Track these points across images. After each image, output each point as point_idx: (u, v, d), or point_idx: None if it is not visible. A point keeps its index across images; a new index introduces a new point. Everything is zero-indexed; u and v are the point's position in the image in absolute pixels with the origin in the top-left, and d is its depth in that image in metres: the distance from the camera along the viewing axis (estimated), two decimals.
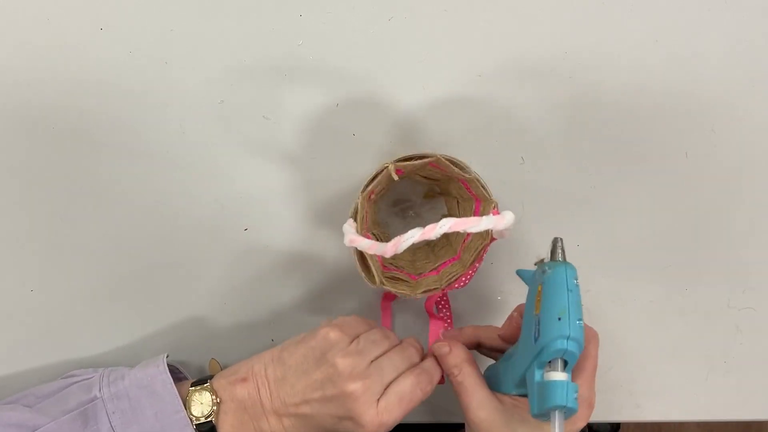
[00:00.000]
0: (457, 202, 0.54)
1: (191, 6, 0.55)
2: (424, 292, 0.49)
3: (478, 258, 0.49)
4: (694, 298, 0.58)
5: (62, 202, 0.56)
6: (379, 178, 0.47)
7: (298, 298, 0.57)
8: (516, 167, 0.57)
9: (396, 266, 0.53)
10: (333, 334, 0.46)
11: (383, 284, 0.47)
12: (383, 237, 0.55)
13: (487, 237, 0.47)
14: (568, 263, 0.44)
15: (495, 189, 0.49)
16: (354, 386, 0.43)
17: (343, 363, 0.44)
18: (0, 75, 0.55)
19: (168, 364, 0.48)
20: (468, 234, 0.50)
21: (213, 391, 0.46)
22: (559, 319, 0.40)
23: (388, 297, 0.56)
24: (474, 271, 0.50)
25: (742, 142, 0.57)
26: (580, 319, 0.41)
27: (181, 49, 0.55)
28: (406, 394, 0.45)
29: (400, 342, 0.49)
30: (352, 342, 0.46)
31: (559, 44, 0.56)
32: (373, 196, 0.50)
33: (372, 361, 0.45)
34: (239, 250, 0.56)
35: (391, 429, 0.45)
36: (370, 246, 0.42)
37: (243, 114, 0.56)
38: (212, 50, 0.55)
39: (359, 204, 0.47)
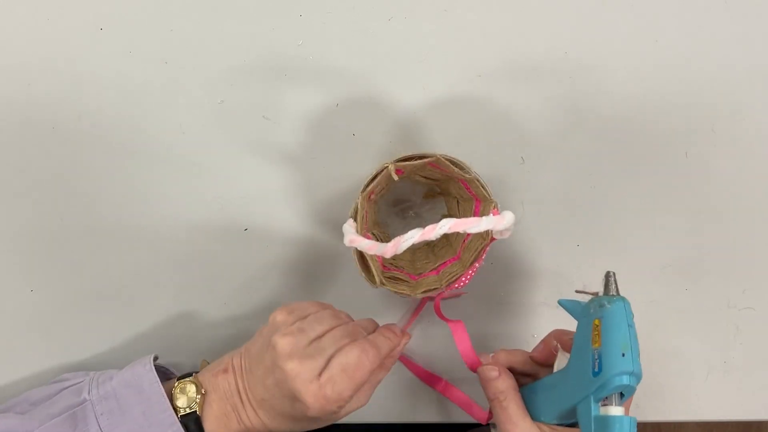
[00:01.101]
0: (457, 202, 0.54)
1: (191, 6, 0.55)
2: (424, 292, 0.49)
3: (478, 258, 0.49)
4: (694, 298, 0.58)
5: (62, 202, 0.56)
6: (379, 178, 0.47)
7: (298, 298, 0.57)
8: (516, 167, 0.57)
9: (396, 266, 0.53)
10: (279, 317, 0.46)
11: (383, 284, 0.47)
12: (383, 237, 0.55)
13: (487, 237, 0.47)
14: (625, 298, 0.44)
15: (495, 189, 0.49)
16: (291, 365, 0.43)
17: (281, 342, 0.43)
18: (0, 75, 0.55)
19: (158, 366, 0.48)
20: (468, 234, 0.50)
21: (198, 383, 0.46)
22: (623, 354, 0.40)
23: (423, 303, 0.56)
24: (474, 271, 0.50)
25: (742, 142, 0.57)
26: (639, 353, 0.41)
27: (181, 49, 0.55)
28: (350, 365, 0.43)
29: (351, 321, 0.48)
30: (297, 323, 0.45)
31: (559, 44, 0.56)
32: (373, 196, 0.50)
33: (316, 339, 0.45)
34: (239, 250, 0.56)
35: (344, 405, 0.44)
36: (369, 246, 0.42)
37: (243, 114, 0.56)
38: (212, 50, 0.55)
39: (359, 204, 0.47)
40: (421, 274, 0.52)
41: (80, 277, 0.56)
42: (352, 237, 0.44)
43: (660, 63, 0.56)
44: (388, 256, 0.41)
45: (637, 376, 0.40)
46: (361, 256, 0.47)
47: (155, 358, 0.48)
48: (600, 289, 0.45)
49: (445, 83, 0.56)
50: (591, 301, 0.45)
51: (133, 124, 0.56)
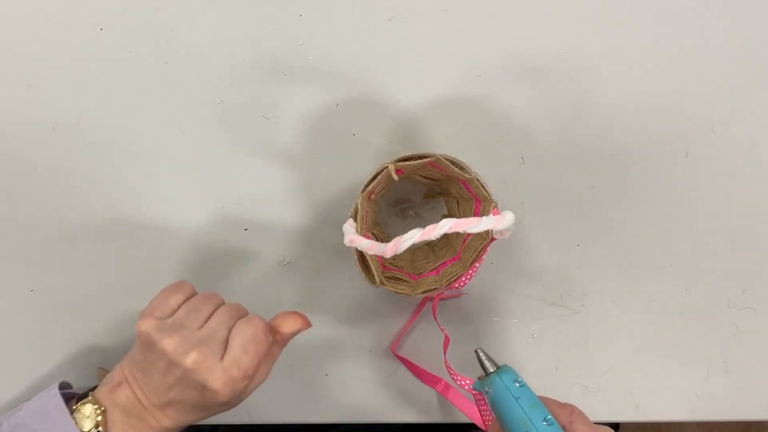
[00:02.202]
0: (457, 202, 0.54)
1: (191, 6, 0.55)
2: (424, 292, 0.49)
3: (478, 258, 0.49)
4: (694, 298, 0.58)
5: (62, 202, 0.56)
6: (379, 178, 0.47)
7: (298, 298, 0.57)
8: (516, 167, 0.57)
9: (396, 266, 0.53)
10: (145, 325, 0.44)
11: (383, 284, 0.47)
12: (383, 237, 0.55)
13: (487, 237, 0.47)
14: (501, 369, 0.42)
15: (495, 189, 0.49)
16: (190, 358, 0.43)
17: (169, 344, 0.43)
18: (0, 75, 0.55)
19: (71, 392, 0.48)
20: (468, 234, 0.50)
21: (96, 401, 0.46)
22: None
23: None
24: (474, 271, 0.50)
25: (742, 142, 0.57)
26: (546, 417, 0.39)
27: (181, 49, 0.55)
28: (248, 341, 0.44)
29: (223, 300, 0.48)
30: (169, 320, 0.45)
31: (559, 44, 0.56)
32: (373, 196, 0.50)
33: (200, 328, 0.45)
34: (239, 250, 0.56)
35: (249, 382, 0.45)
36: (370, 246, 0.42)
37: (243, 114, 0.56)
38: (212, 50, 0.55)
39: (359, 204, 0.47)
40: (421, 274, 0.52)
41: (80, 278, 0.56)
42: (352, 237, 0.44)
43: (660, 63, 0.56)
44: (388, 256, 0.41)
45: None
46: (362, 255, 0.47)
47: (63, 387, 0.48)
48: (481, 372, 0.44)
49: (445, 83, 0.56)
50: (481, 387, 0.44)
51: (133, 124, 0.56)
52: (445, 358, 0.55)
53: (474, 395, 0.53)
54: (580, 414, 0.43)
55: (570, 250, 0.57)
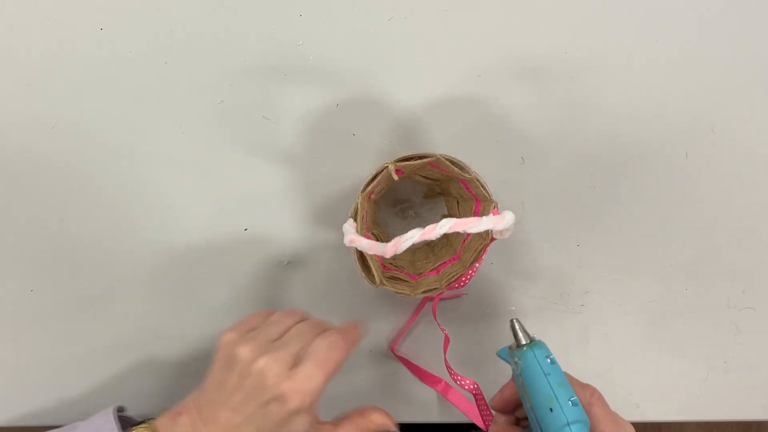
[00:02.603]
0: (457, 202, 0.54)
1: (191, 6, 0.55)
2: (424, 292, 0.49)
3: (478, 258, 0.49)
4: (694, 298, 0.58)
5: (62, 202, 0.56)
6: (379, 178, 0.47)
7: (298, 298, 0.57)
8: (516, 167, 0.57)
9: (396, 266, 0.53)
10: (227, 337, 0.45)
11: (383, 284, 0.47)
12: (383, 237, 0.55)
13: (487, 237, 0.47)
14: (534, 342, 0.42)
15: (495, 189, 0.49)
16: (260, 363, 0.42)
17: (243, 351, 0.43)
18: (0, 75, 0.55)
19: (124, 416, 0.48)
20: (468, 234, 0.50)
21: (151, 428, 0.46)
22: (551, 410, 0.39)
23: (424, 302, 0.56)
24: (474, 271, 0.50)
25: (742, 142, 0.57)
26: (572, 398, 0.39)
27: (181, 49, 0.55)
28: (321, 355, 0.43)
29: (309, 317, 0.48)
30: (249, 333, 0.45)
31: (559, 44, 0.56)
32: (373, 196, 0.50)
33: (274, 340, 0.45)
34: (239, 250, 0.56)
35: (317, 399, 0.44)
36: (369, 246, 0.42)
37: (243, 114, 0.56)
38: (212, 50, 0.55)
39: (359, 204, 0.47)
40: (421, 274, 0.52)
41: (80, 277, 0.56)
42: (353, 237, 0.44)
43: (660, 63, 0.56)
44: (388, 256, 0.41)
45: (578, 422, 0.38)
46: (362, 255, 0.47)
47: (120, 410, 0.48)
48: (513, 342, 0.43)
49: (445, 83, 0.56)
50: (510, 357, 0.43)
51: (133, 124, 0.56)
52: (445, 358, 0.55)
53: (474, 393, 0.53)
54: (600, 397, 0.43)
55: (570, 250, 0.57)
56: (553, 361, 0.41)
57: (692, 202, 0.57)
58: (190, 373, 0.57)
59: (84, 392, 0.57)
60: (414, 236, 0.41)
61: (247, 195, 0.56)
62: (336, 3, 0.55)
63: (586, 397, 0.42)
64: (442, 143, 0.56)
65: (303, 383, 0.42)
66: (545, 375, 0.40)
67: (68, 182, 0.56)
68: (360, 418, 0.47)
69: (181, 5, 0.55)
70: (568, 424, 0.38)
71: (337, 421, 0.47)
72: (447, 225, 0.40)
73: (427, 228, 0.40)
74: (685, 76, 0.56)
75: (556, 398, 0.39)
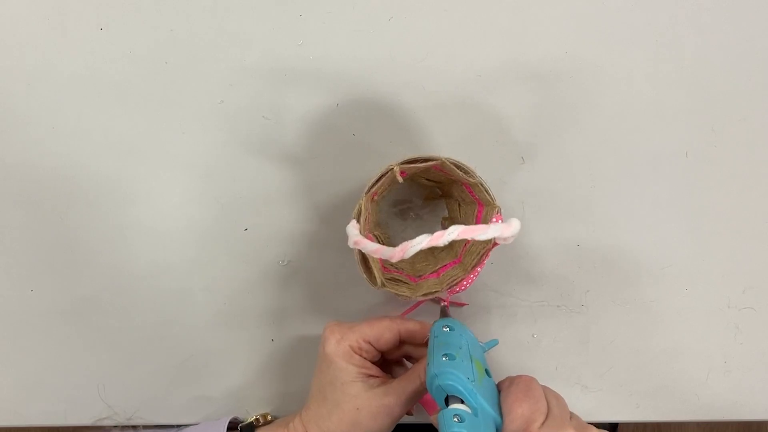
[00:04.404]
0: (459, 204, 0.54)
1: (191, 6, 0.55)
2: (425, 294, 0.49)
3: (480, 262, 0.49)
4: (694, 298, 0.58)
5: (62, 202, 0.56)
6: (383, 179, 0.47)
7: (298, 298, 0.57)
8: (516, 167, 0.57)
9: (396, 268, 0.53)
10: (328, 326, 0.49)
11: (384, 285, 0.47)
12: (384, 238, 0.55)
13: (489, 241, 0.47)
14: (447, 317, 0.49)
15: (495, 189, 0.49)
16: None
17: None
18: (0, 75, 0.55)
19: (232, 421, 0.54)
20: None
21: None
22: (427, 363, 0.44)
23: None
24: (476, 276, 0.50)
25: (742, 142, 0.57)
26: (447, 353, 0.43)
27: (181, 49, 0.55)
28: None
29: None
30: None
31: (560, 44, 0.56)
32: (376, 197, 0.50)
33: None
34: (239, 250, 0.56)
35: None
36: (375, 250, 0.42)
37: (243, 114, 0.56)
38: (212, 50, 0.55)
39: (363, 205, 0.47)
40: (421, 276, 0.52)
41: (80, 277, 0.56)
42: (357, 239, 0.43)
43: (660, 63, 0.56)
44: (394, 260, 0.41)
45: (447, 373, 0.41)
46: (363, 256, 0.47)
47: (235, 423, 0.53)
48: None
49: (445, 83, 0.56)
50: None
51: (133, 124, 0.56)
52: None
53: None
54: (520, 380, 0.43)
55: (570, 250, 0.57)
56: (452, 329, 0.46)
57: (692, 202, 0.57)
58: (191, 374, 0.57)
59: (84, 392, 0.57)
60: (422, 242, 0.40)
61: (247, 195, 0.56)
62: (336, 3, 0.55)
63: (505, 384, 0.43)
64: (442, 143, 0.56)
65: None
66: (434, 337, 0.45)
67: (68, 182, 0.56)
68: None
69: (181, 5, 0.55)
70: (435, 376, 0.42)
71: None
72: (455, 232, 0.40)
73: (435, 234, 0.40)
74: (685, 76, 0.56)
75: (432, 353, 0.44)
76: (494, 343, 0.49)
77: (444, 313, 0.51)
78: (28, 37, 0.55)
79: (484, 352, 0.47)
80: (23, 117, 0.55)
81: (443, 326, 0.46)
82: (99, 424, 0.54)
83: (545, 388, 0.43)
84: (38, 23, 0.55)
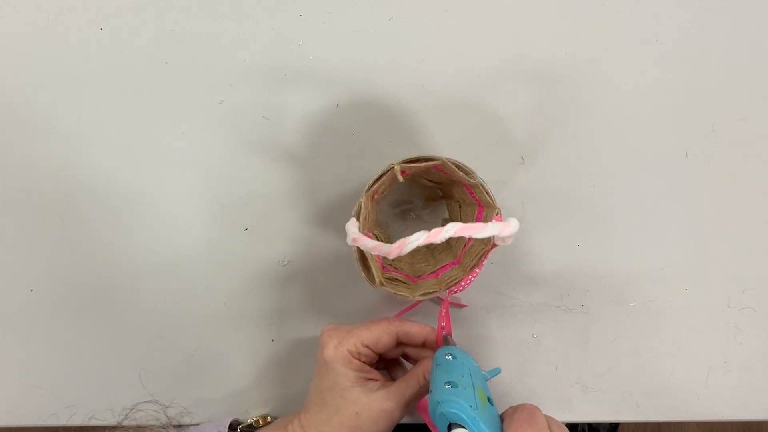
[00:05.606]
0: (459, 206, 0.54)
1: (191, 6, 0.55)
2: (423, 294, 0.49)
3: (479, 263, 0.49)
4: (694, 298, 0.58)
5: (62, 201, 0.56)
6: (383, 178, 0.47)
7: (298, 298, 0.57)
8: (516, 167, 0.57)
9: (395, 267, 0.53)
10: (325, 333, 0.49)
11: (383, 285, 0.47)
12: (383, 237, 0.55)
13: (488, 243, 0.47)
14: (449, 345, 0.50)
15: (495, 189, 0.49)
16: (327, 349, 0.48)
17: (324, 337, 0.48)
18: (0, 75, 0.55)
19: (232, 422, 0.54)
20: (469, 239, 0.50)
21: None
22: (430, 391, 0.44)
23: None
24: (474, 276, 0.50)
25: (742, 142, 0.57)
26: (449, 381, 0.43)
27: (181, 49, 0.55)
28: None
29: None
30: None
31: (559, 44, 0.56)
32: (376, 196, 0.50)
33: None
34: (239, 250, 0.56)
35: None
36: (373, 246, 0.42)
37: (243, 114, 0.56)
38: (212, 50, 0.55)
39: (363, 203, 0.47)
40: (420, 276, 0.52)
41: (80, 277, 0.56)
42: (356, 236, 0.43)
43: (660, 63, 0.56)
44: (392, 257, 0.41)
45: (442, 402, 0.41)
46: (362, 255, 0.47)
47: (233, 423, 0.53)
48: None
49: (445, 83, 0.56)
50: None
51: (133, 124, 0.56)
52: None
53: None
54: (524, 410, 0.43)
55: (570, 250, 0.57)
56: (454, 357, 0.46)
57: (692, 202, 0.57)
58: (190, 374, 0.57)
59: (84, 392, 0.57)
60: (419, 238, 0.40)
61: (247, 195, 0.56)
62: (336, 3, 0.55)
63: (508, 413, 0.43)
64: (441, 143, 0.56)
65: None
66: (436, 365, 0.46)
67: (68, 182, 0.56)
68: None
69: (181, 5, 0.55)
70: (438, 403, 0.42)
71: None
72: (452, 229, 0.40)
73: (433, 231, 0.40)
74: (685, 75, 0.56)
75: (435, 381, 0.44)
76: (497, 371, 0.49)
77: (447, 341, 0.51)
78: (28, 37, 0.55)
79: (487, 380, 0.47)
80: (23, 117, 0.55)
81: (446, 354, 0.47)
82: (99, 424, 0.54)
83: (548, 417, 0.43)
84: (38, 23, 0.55)
